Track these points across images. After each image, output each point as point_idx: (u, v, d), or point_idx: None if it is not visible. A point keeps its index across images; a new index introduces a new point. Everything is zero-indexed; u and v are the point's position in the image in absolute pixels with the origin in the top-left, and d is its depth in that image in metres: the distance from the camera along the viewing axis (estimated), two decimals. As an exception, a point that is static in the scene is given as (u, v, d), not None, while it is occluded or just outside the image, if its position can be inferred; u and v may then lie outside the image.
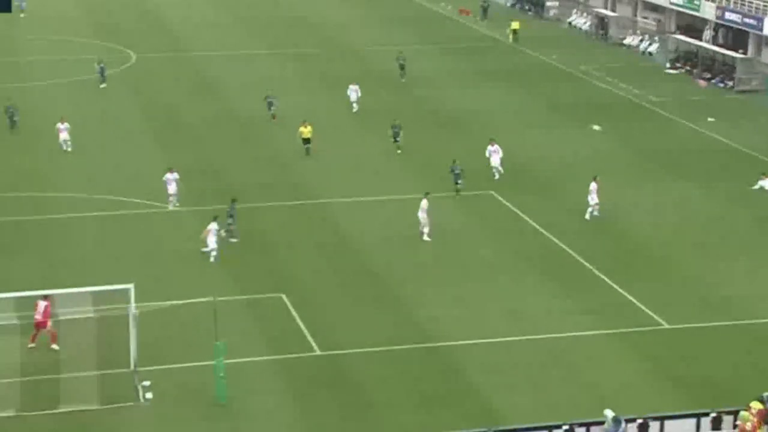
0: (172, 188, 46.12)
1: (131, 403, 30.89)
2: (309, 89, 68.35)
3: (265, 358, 33.74)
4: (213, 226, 40.74)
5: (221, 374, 30.61)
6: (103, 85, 68.25)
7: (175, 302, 36.50)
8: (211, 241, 40.51)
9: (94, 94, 67.02)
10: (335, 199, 48.26)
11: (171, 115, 62.74)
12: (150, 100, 66.05)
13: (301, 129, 54.76)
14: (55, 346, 33.06)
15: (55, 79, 70.18)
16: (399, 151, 54.52)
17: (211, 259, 40.45)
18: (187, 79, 71.31)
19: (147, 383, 31.74)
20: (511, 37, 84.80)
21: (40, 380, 31.84)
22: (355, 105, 62.96)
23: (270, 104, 60.76)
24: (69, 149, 54.07)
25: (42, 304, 33.00)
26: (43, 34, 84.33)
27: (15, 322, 33.30)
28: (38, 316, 32.85)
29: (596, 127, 59.15)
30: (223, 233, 41.53)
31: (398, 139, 54.78)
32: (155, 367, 32.58)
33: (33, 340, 33.32)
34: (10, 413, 30.05)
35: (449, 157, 51.35)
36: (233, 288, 38.65)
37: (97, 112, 62.70)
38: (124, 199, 47.72)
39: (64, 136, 54.26)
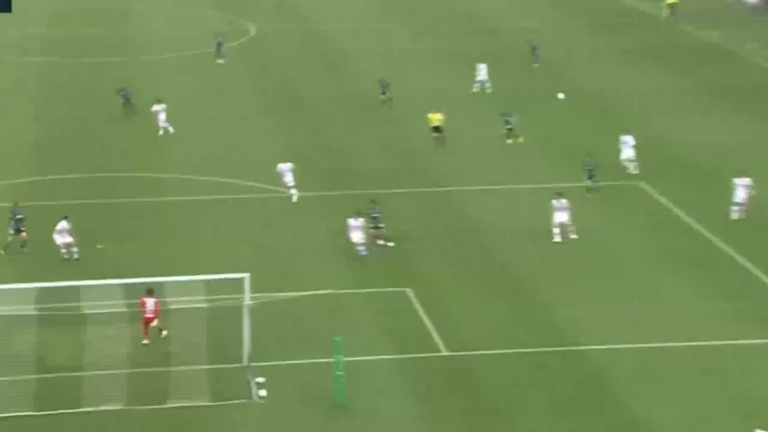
0: (288, 179, 46.46)
1: (244, 401, 30.95)
2: (436, 67, 68.50)
3: (388, 357, 33.75)
4: (353, 222, 40.68)
5: (340, 373, 30.58)
6: (220, 61, 69.33)
7: (292, 294, 36.86)
8: (356, 236, 40.37)
9: (210, 70, 68.00)
10: (464, 187, 48.19)
11: (290, 92, 63.42)
12: (268, 76, 66.83)
13: (431, 116, 54.32)
14: (164, 332, 33.54)
15: (171, 54, 71.70)
16: (516, 140, 53.08)
17: (363, 253, 40.46)
18: (309, 54, 72.02)
19: (261, 380, 31.84)
20: (666, 11, 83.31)
21: (149, 373, 32.32)
22: (480, 85, 62.79)
23: (384, 89, 60.30)
24: (169, 131, 54.81)
25: (150, 301, 33.25)
26: (160, 6, 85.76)
27: (122, 310, 34.31)
28: (149, 314, 33.24)
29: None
30: (388, 245, 41.31)
31: (511, 128, 53.34)
32: (270, 363, 32.70)
33: (146, 336, 33.63)
34: (117, 407, 30.48)
35: (590, 144, 50.92)
36: (355, 280, 38.79)
37: (212, 89, 63.65)
38: (241, 182, 48.38)
39: (162, 118, 54.88)
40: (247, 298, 32.23)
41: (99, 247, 41.34)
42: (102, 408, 30.42)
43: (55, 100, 61.50)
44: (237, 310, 32.67)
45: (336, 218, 42.44)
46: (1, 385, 31.07)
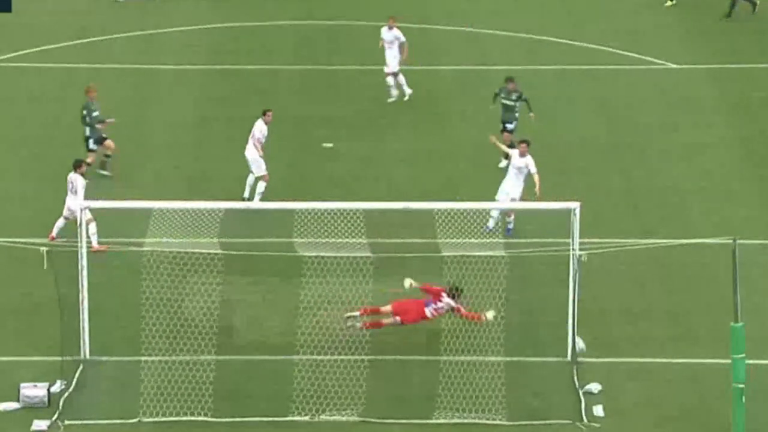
0: None
1: (567, 422, 29.07)
2: None
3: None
4: None
5: (739, 385, 27.81)
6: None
7: (663, 241, 35.36)
8: None
9: None
10: None
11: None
12: None
13: None
14: (355, 323, 32.50)
15: None
16: None
17: None
18: None
19: (595, 388, 30.08)
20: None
21: (402, 364, 31.27)
22: None
23: None
24: None
25: (447, 304, 31.87)
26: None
27: (366, 253, 32.91)
28: (401, 315, 31.90)
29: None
30: None
31: None
32: (608, 360, 31.46)
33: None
34: (349, 417, 29.36)
35: None
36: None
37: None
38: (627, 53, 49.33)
39: None
40: (576, 245, 30.60)
41: (327, 146, 42.27)
42: (322, 419, 29.30)
43: None
44: (558, 264, 31.83)
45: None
46: (161, 369, 30.04)
